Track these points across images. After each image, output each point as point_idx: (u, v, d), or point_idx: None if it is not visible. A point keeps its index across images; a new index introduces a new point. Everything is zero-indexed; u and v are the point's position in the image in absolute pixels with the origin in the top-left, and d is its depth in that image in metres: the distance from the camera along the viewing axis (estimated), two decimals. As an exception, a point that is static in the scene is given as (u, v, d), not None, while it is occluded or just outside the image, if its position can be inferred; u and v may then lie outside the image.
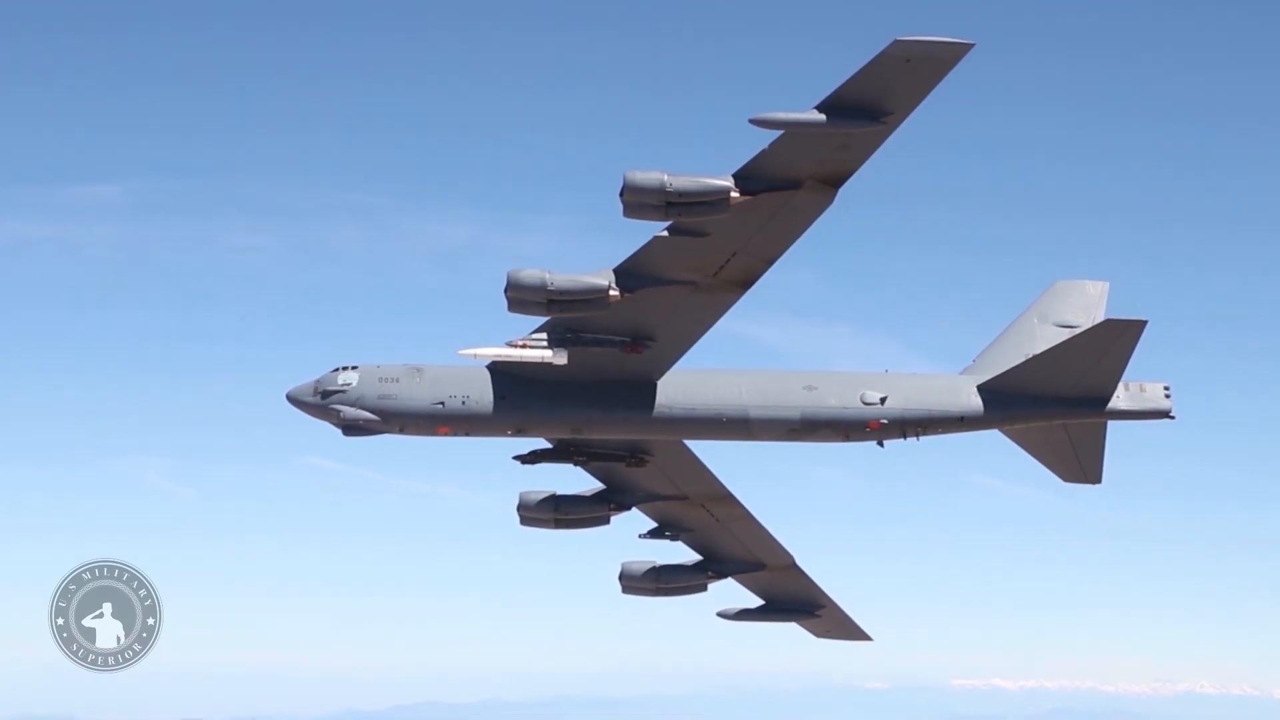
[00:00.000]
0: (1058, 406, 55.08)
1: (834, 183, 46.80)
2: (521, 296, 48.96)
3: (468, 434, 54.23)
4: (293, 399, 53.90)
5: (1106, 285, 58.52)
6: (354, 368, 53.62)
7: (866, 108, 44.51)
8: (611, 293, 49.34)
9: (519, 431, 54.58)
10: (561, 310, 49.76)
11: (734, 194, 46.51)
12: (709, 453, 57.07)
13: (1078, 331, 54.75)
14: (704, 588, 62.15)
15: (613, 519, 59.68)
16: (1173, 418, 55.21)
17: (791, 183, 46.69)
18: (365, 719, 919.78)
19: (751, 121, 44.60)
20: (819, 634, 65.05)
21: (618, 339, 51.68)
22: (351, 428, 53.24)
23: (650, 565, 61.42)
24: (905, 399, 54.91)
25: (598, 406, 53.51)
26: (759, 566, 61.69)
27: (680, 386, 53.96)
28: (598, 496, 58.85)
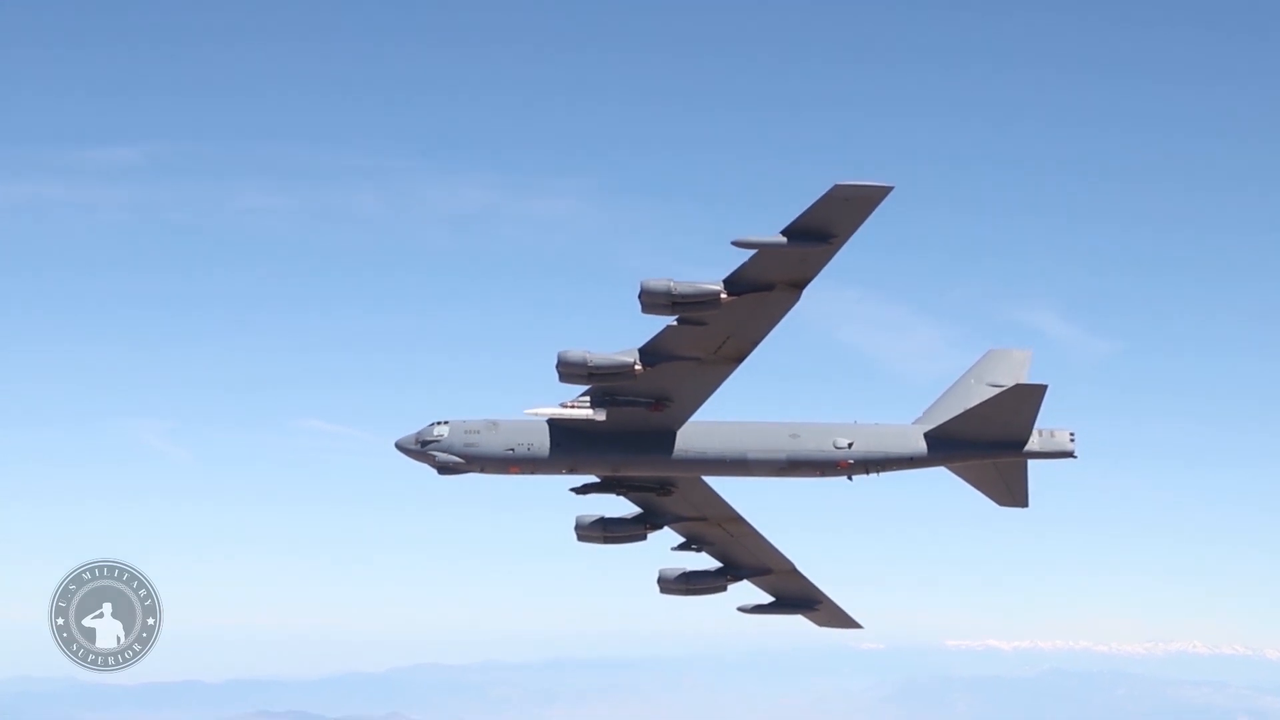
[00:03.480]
0: (986, 449, 71.83)
1: (798, 285, 63.41)
2: (568, 370, 67.01)
3: (532, 472, 72.39)
4: (399, 447, 72.57)
5: (1030, 353, 75.54)
6: (446, 422, 72.02)
7: (817, 233, 60.54)
8: (636, 368, 66.89)
9: (571, 470, 72.46)
10: (599, 380, 67.74)
11: (723, 295, 63.22)
12: (721, 485, 74.35)
13: (1000, 391, 71.59)
14: (724, 588, 79.27)
15: (649, 536, 76.94)
16: (1075, 457, 72.14)
17: (766, 286, 63.19)
18: (364, 680, 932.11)
19: (733, 243, 61.50)
20: (819, 624, 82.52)
21: (644, 400, 69.10)
22: (444, 468, 71.85)
23: (681, 570, 78.79)
24: (868, 444, 72.17)
25: (630, 451, 71.28)
26: (767, 571, 78.63)
27: (694, 435, 71.51)
28: (636, 518, 76.33)
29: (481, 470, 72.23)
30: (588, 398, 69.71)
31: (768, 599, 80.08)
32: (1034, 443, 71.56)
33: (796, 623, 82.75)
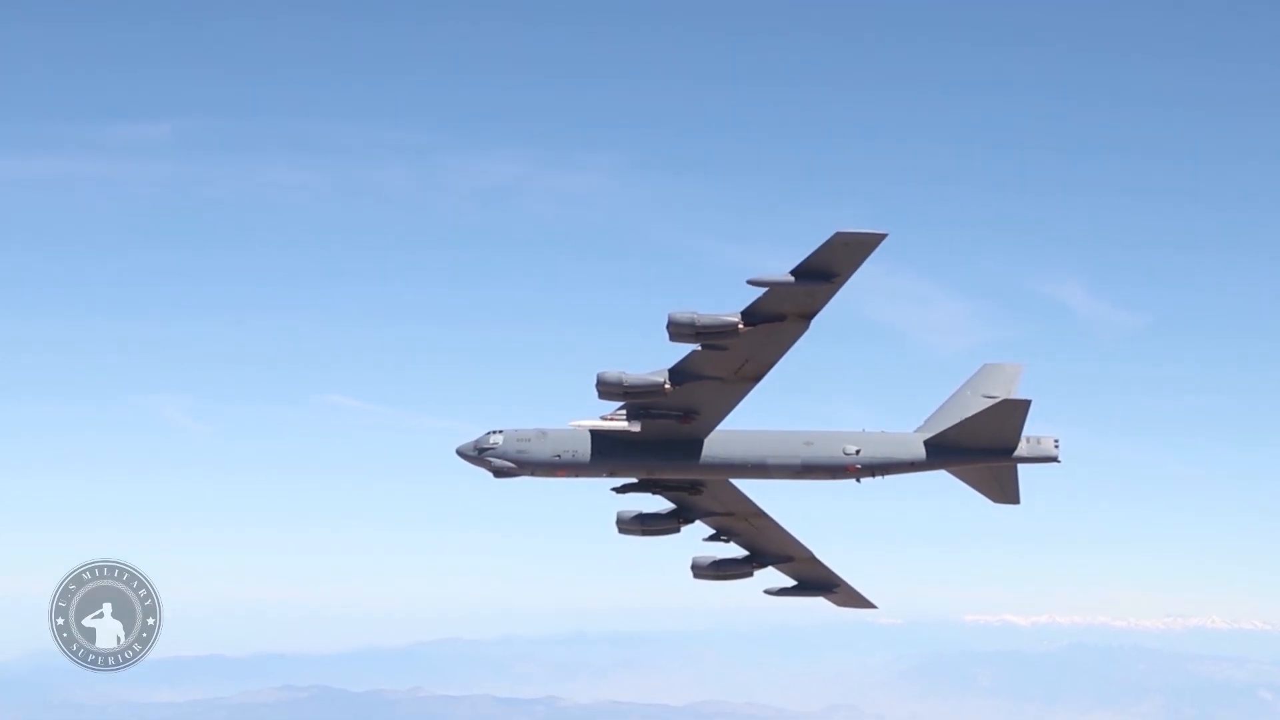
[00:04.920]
0: (979, 454, 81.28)
1: (806, 317, 72.41)
2: (607, 390, 76.69)
3: (577, 476, 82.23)
4: (459, 453, 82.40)
5: (1021, 367, 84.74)
6: (500, 431, 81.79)
7: (821, 273, 69.24)
8: (666, 386, 76.35)
9: (611, 474, 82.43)
10: (634, 397, 77.40)
11: (740, 325, 72.21)
12: (745, 484, 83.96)
13: (992, 404, 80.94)
14: (751, 574, 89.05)
15: (682, 529, 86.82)
16: (1059, 462, 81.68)
17: (779, 317, 72.14)
18: (386, 655, 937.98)
19: (748, 282, 70.38)
20: (838, 604, 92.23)
21: (674, 414, 78.59)
22: (499, 472, 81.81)
23: (713, 559, 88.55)
24: (873, 450, 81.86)
25: (663, 458, 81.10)
26: (789, 559, 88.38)
27: (719, 443, 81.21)
28: (671, 514, 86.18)
29: (532, 474, 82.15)
30: (624, 411, 79.37)
31: (791, 583, 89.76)
32: (1022, 449, 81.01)
33: (815, 601, 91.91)
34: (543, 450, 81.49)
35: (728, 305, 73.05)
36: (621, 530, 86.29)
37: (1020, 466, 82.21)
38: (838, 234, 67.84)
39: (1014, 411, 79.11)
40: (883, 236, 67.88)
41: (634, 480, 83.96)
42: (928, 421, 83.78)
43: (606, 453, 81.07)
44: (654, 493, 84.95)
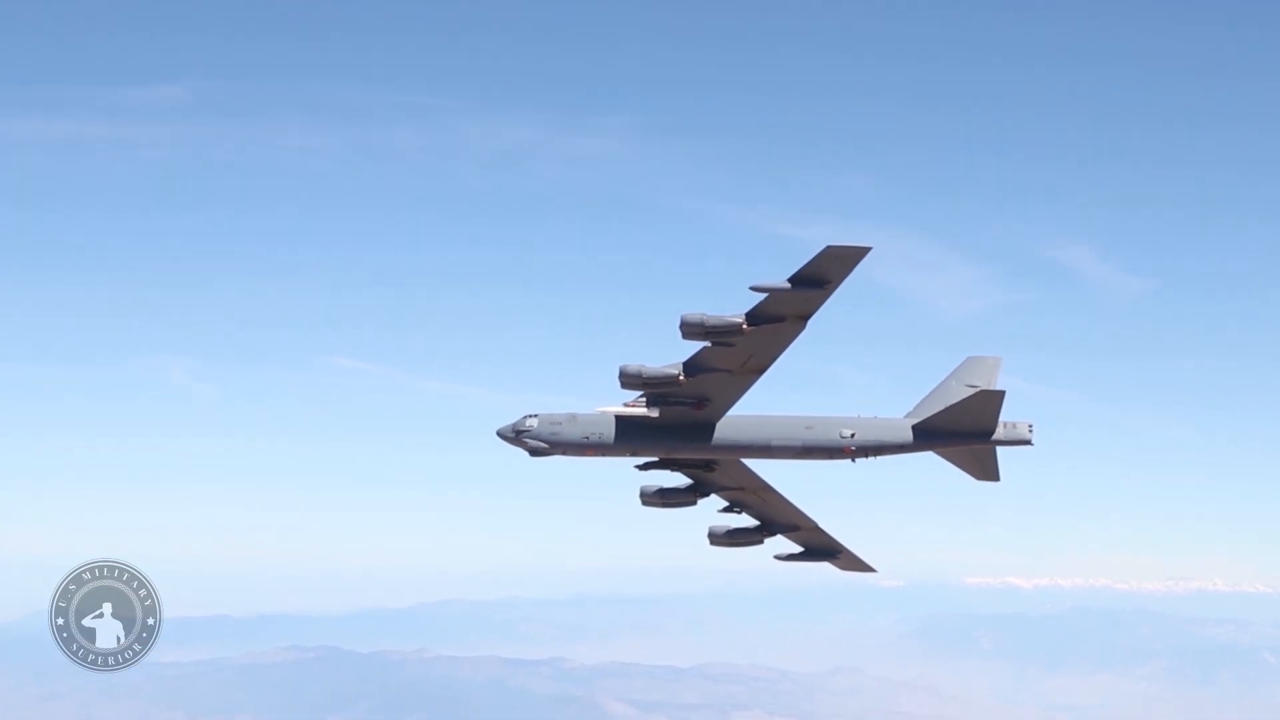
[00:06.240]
0: (961, 438, 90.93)
1: (803, 318, 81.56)
2: (628, 380, 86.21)
3: (603, 455, 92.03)
4: (499, 434, 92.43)
5: (1000, 359, 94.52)
6: (535, 415, 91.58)
7: (815, 280, 78.34)
8: (681, 378, 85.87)
9: (634, 454, 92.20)
10: (652, 387, 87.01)
11: (745, 326, 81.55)
12: (754, 463, 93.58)
13: (973, 393, 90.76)
14: (762, 542, 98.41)
15: (699, 502, 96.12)
16: (1032, 445, 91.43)
17: (779, 318, 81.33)
18: (391, 616, 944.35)
19: (751, 288, 79.68)
20: (841, 569, 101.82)
21: (688, 401, 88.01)
22: (535, 451, 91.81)
23: (727, 528, 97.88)
24: (866, 434, 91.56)
25: (679, 440, 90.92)
26: (795, 528, 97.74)
27: (730, 427, 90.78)
28: (688, 488, 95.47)
29: (564, 453, 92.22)
30: (644, 398, 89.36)
31: (798, 549, 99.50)
32: (999, 433, 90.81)
33: (821, 566, 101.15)
34: (573, 432, 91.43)
35: (732, 307, 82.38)
36: (644, 503, 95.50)
37: (1002, 446, 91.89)
38: (828, 248, 77.15)
39: (991, 400, 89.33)
40: (867, 250, 77.13)
41: (654, 459, 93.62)
42: (916, 408, 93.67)
43: (629, 435, 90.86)
44: (672, 470, 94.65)
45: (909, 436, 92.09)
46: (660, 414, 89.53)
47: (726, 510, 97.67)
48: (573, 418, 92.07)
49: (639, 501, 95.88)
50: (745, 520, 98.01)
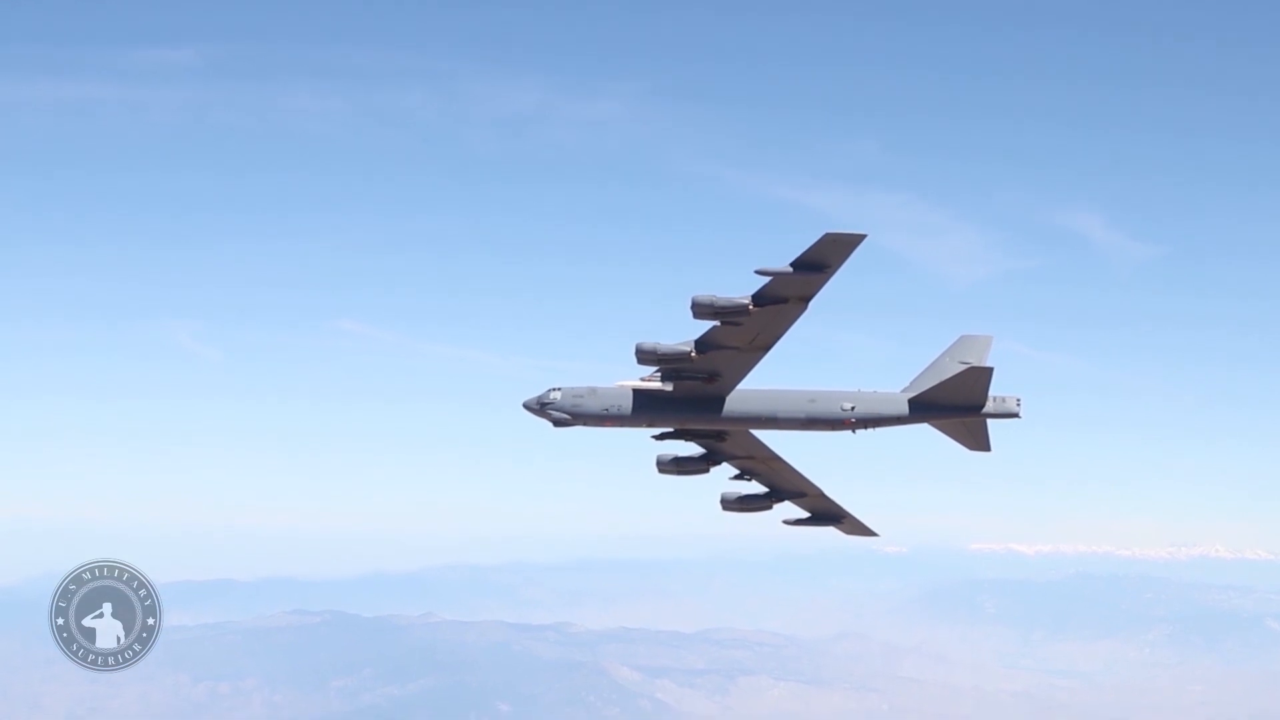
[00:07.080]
0: (953, 411, 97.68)
1: (805, 299, 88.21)
2: (644, 357, 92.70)
3: (621, 426, 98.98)
4: (525, 406, 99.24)
5: (991, 338, 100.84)
6: (559, 389, 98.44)
7: (815, 265, 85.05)
8: (692, 354, 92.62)
9: (650, 425, 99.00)
10: (666, 363, 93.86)
11: (751, 307, 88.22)
12: (763, 433, 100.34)
13: (964, 369, 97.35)
14: (770, 507, 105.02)
15: (712, 470, 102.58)
16: (1020, 418, 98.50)
17: (782, 300, 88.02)
18: (396, 580, 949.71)
19: (756, 272, 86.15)
20: (846, 533, 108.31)
21: (700, 376, 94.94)
22: (558, 423, 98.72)
23: (738, 494, 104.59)
24: (866, 407, 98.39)
25: (692, 412, 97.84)
26: (802, 495, 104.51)
27: (739, 400, 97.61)
28: (702, 457, 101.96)
29: (585, 425, 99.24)
30: (659, 373, 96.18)
31: (804, 515, 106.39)
32: (989, 407, 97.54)
33: (825, 531, 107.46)
34: (594, 405, 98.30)
35: (740, 288, 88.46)
36: (661, 470, 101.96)
37: (993, 420, 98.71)
38: (827, 234, 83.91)
39: (981, 376, 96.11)
40: (863, 237, 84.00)
41: (669, 430, 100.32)
42: (912, 383, 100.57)
43: (645, 408, 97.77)
44: (686, 440, 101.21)
45: (905, 409, 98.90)
46: (674, 388, 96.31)
47: (737, 478, 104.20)
48: (593, 391, 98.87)
49: (655, 469, 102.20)
50: (755, 487, 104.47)
